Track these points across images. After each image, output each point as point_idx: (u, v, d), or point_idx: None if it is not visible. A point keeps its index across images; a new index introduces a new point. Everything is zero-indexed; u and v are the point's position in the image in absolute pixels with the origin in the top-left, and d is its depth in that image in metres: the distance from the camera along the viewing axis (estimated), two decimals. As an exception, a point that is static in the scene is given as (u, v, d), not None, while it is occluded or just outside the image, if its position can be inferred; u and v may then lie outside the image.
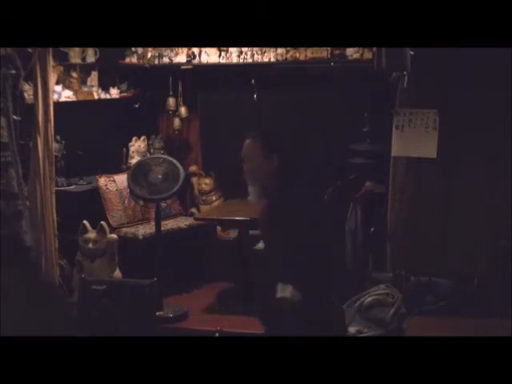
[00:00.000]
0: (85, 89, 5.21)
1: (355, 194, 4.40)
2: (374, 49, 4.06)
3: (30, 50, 3.77)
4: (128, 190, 4.88)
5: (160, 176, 4.46)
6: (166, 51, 5.33)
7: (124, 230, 4.87)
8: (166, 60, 5.37)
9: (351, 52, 4.79)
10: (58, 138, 4.67)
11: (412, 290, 4.02)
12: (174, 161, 4.57)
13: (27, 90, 4.22)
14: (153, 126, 5.77)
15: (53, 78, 4.36)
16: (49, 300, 2.26)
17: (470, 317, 3.70)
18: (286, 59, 5.03)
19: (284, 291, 2.53)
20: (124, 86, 5.54)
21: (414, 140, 4.11)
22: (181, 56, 5.33)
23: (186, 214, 5.36)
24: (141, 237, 4.77)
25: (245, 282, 4.28)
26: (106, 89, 5.39)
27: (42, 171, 3.90)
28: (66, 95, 4.99)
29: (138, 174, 4.47)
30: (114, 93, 5.44)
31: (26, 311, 2.09)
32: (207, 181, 5.47)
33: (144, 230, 4.88)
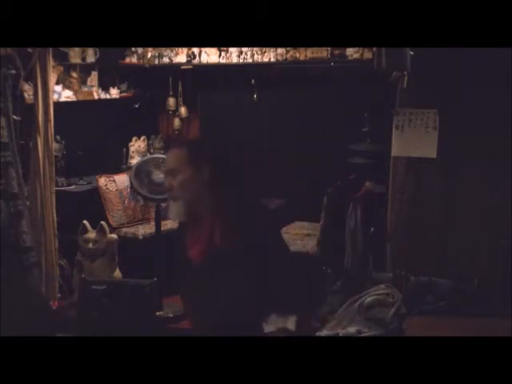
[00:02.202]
0: (85, 89, 5.22)
1: (355, 194, 4.40)
2: (374, 49, 4.06)
3: (30, 49, 3.77)
4: (128, 190, 4.88)
5: (163, 176, 4.47)
6: (166, 51, 5.34)
7: (124, 229, 4.87)
8: (166, 60, 5.37)
9: (351, 52, 4.79)
10: (58, 138, 4.68)
11: (412, 290, 4.01)
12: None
13: (27, 90, 4.23)
14: (153, 126, 5.78)
15: (53, 77, 4.36)
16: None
17: (470, 317, 3.68)
18: (286, 59, 5.03)
19: (286, 323, 2.37)
20: (124, 86, 5.55)
21: (414, 140, 4.11)
22: (181, 56, 5.33)
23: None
24: (141, 237, 4.77)
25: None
26: (106, 89, 5.40)
27: (42, 171, 3.89)
28: (66, 95, 5.00)
29: (141, 174, 4.48)
30: (114, 93, 5.45)
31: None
32: (207, 181, 5.46)
33: (144, 229, 4.89)
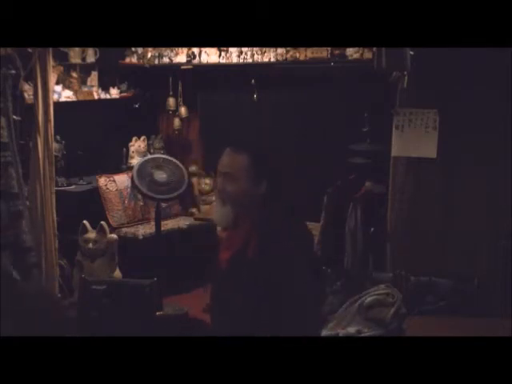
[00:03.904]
0: (85, 89, 5.22)
1: (355, 194, 4.40)
2: (374, 49, 4.06)
3: (30, 49, 3.77)
4: (128, 190, 4.88)
5: (165, 176, 4.48)
6: (166, 51, 5.34)
7: (124, 229, 4.88)
8: (166, 60, 5.38)
9: (351, 52, 4.79)
10: (58, 138, 4.68)
11: (412, 290, 4.01)
12: (177, 161, 4.59)
13: (27, 90, 4.23)
14: (153, 126, 5.78)
15: (53, 77, 4.37)
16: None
17: (470, 317, 3.69)
18: (286, 59, 5.03)
19: None
20: (124, 86, 5.55)
21: (414, 140, 4.11)
22: (181, 56, 5.33)
23: (186, 214, 5.36)
24: (141, 237, 4.77)
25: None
26: (106, 89, 5.40)
27: (42, 171, 3.89)
28: (66, 95, 5.00)
29: (143, 174, 4.48)
30: (114, 93, 5.45)
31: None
32: (207, 181, 5.48)
33: (144, 229, 4.89)
